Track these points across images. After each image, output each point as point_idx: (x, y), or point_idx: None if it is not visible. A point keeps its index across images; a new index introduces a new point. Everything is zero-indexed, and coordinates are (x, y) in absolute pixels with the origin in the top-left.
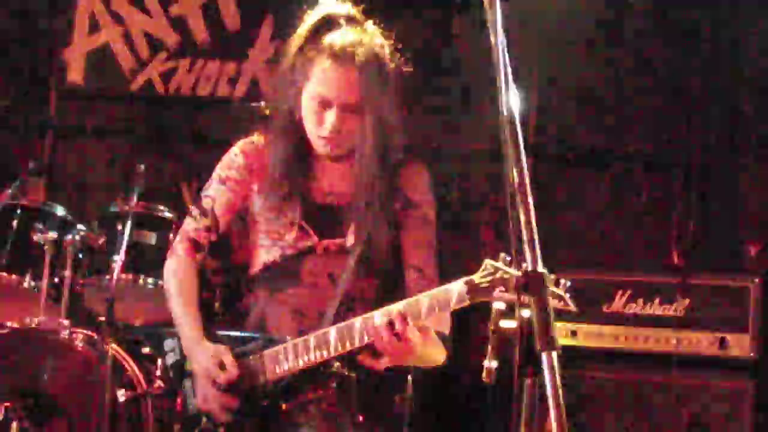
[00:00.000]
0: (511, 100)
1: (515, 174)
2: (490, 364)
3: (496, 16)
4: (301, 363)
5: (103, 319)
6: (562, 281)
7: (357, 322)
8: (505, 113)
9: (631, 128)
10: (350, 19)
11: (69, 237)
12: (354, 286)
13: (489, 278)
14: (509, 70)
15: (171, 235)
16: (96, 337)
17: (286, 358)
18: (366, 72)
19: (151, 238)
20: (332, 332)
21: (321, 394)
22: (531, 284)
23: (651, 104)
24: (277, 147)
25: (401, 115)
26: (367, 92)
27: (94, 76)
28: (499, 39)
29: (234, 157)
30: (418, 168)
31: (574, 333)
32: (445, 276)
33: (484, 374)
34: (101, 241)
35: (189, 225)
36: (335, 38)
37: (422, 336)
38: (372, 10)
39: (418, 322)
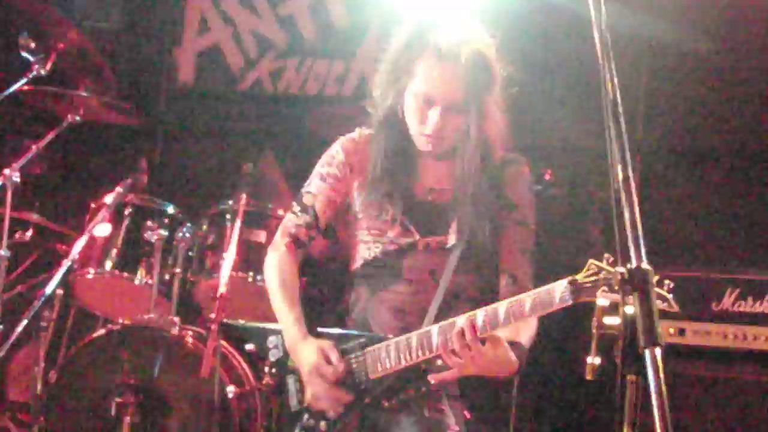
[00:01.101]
0: (617, 97)
1: (620, 171)
2: (594, 361)
3: (601, 14)
4: (403, 362)
5: (212, 315)
6: (666, 282)
7: (459, 320)
8: (610, 111)
9: (741, 124)
10: (456, 18)
11: (179, 235)
12: (456, 284)
13: (593, 278)
14: (613, 66)
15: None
16: (205, 333)
17: (388, 357)
18: (471, 71)
19: (260, 236)
20: (434, 331)
21: (424, 392)
22: (635, 281)
23: (760, 101)
24: (379, 144)
25: (505, 115)
26: (471, 91)
27: (204, 75)
28: (602, 35)
29: (335, 154)
30: (520, 168)
31: (682, 331)
32: (552, 274)
33: (587, 371)
34: (210, 239)
35: (290, 221)
36: (441, 36)
37: (492, 347)
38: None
39: (492, 331)
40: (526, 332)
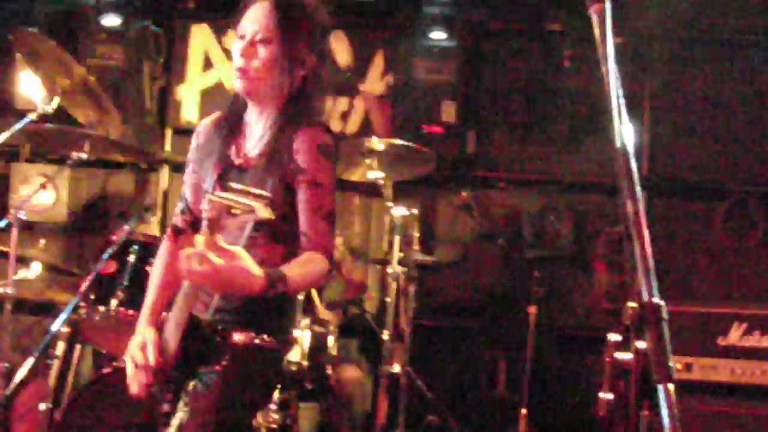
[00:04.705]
0: (625, 132)
1: (630, 206)
2: (605, 395)
3: (608, 48)
4: (188, 305)
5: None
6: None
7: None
8: (619, 145)
9: (746, 160)
10: None
11: None
12: (255, 253)
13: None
14: (622, 101)
15: None
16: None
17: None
18: (278, 7)
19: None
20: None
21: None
22: (647, 315)
23: (765, 136)
24: (217, 118)
25: (320, 65)
26: (280, 25)
27: (209, 113)
28: (611, 70)
29: (192, 140)
30: (312, 132)
31: (689, 366)
32: (566, 310)
33: (599, 406)
34: None
35: (175, 212)
36: None
37: (229, 259)
38: (482, 39)
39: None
40: (292, 269)
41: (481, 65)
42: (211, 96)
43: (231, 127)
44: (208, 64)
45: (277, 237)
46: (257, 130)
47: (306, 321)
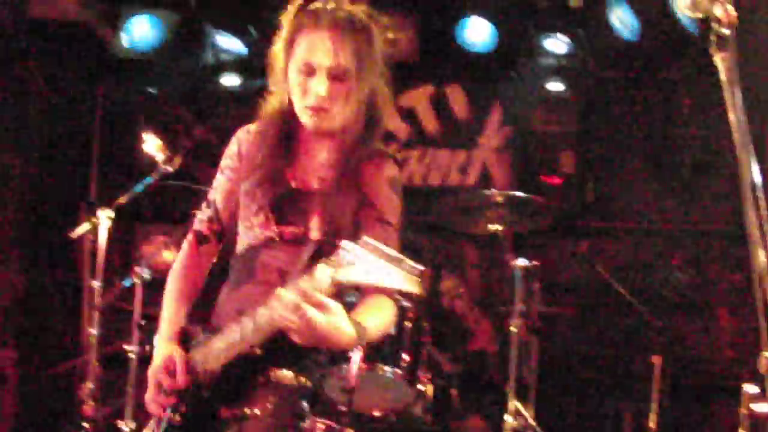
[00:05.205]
0: (754, 174)
1: (762, 255)
2: None
3: (735, 94)
4: (233, 351)
5: (343, 408)
6: None
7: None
8: (748, 189)
9: None
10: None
11: None
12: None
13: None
14: (749, 141)
15: (407, 323)
16: (336, 427)
17: (217, 349)
18: (349, 34)
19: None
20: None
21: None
22: None
23: None
24: (265, 131)
25: (391, 93)
26: (354, 56)
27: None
28: (739, 115)
29: (231, 146)
30: (381, 163)
31: None
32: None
33: None
34: None
35: (197, 218)
36: (317, 7)
37: (325, 313)
38: (599, 88)
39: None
40: (371, 320)
41: (599, 114)
42: None
43: (286, 146)
44: None
45: None
46: (317, 153)
47: (429, 374)
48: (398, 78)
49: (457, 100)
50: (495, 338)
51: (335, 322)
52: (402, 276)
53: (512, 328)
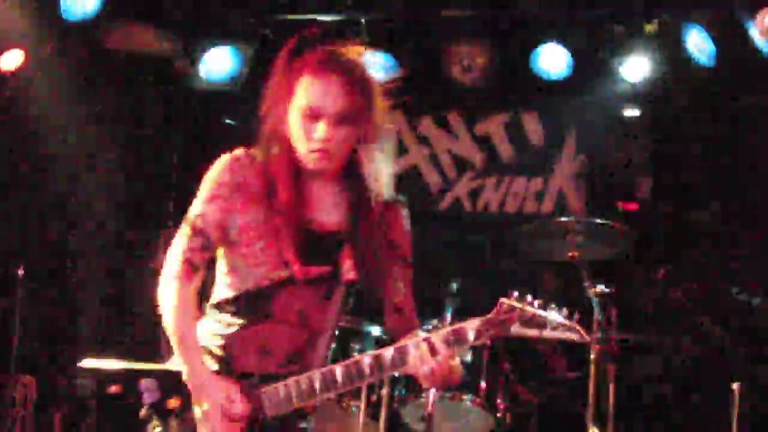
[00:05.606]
0: None
1: None
2: None
3: None
4: (306, 401)
5: None
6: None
7: (366, 358)
8: None
9: None
10: (328, 36)
11: None
12: (327, 319)
13: (505, 315)
14: None
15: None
16: None
17: (288, 397)
18: (351, 79)
19: (467, 354)
20: (338, 371)
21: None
22: None
23: None
24: (276, 172)
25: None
26: (357, 100)
27: (403, 196)
28: None
29: (222, 174)
30: (399, 209)
31: None
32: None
33: None
34: None
35: (183, 245)
36: (317, 52)
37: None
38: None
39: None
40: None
41: (675, 140)
42: (405, 180)
43: (299, 190)
44: (401, 147)
45: (348, 308)
46: (325, 195)
47: (507, 402)
48: (474, 105)
49: (533, 127)
50: (573, 366)
51: (457, 364)
52: (567, 326)
53: (590, 355)
